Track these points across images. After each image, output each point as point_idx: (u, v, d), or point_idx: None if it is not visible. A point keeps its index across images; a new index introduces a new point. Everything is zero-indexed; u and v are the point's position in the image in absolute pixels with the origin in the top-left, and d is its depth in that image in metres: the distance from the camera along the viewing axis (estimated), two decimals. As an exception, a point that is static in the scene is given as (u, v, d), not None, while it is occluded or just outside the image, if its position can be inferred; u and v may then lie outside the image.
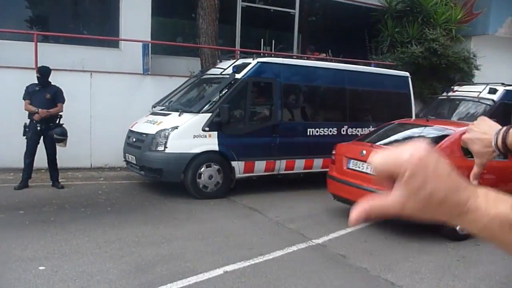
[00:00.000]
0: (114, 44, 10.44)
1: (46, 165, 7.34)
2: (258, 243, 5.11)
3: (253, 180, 8.08)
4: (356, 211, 0.64)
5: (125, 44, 10.17)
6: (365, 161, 5.74)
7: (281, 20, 13.12)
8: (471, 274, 4.55)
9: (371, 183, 5.42)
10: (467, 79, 12.75)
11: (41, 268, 4.10)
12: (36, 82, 7.11)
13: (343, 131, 8.41)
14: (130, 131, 7.72)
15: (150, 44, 9.77)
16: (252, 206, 6.75)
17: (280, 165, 7.74)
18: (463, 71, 12.86)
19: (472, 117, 10.30)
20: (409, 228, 6.04)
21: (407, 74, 9.60)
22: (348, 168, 6.09)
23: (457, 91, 11.28)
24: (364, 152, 5.86)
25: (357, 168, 5.96)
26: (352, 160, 6.07)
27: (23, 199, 6.53)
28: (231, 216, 6.27)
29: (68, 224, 5.44)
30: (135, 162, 7.32)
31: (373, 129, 7.78)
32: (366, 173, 5.70)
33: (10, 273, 3.98)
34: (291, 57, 10.83)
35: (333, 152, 6.53)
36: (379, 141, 6.34)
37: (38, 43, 8.65)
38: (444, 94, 11.45)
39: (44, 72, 7.09)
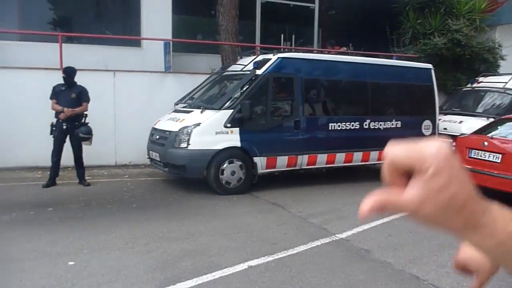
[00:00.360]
0: (136, 43, 10.59)
1: (72, 163, 7.52)
2: (281, 238, 5.13)
3: (275, 176, 8.10)
4: (369, 203, 0.56)
5: (146, 43, 10.31)
6: (487, 151, 6.93)
7: (301, 15, 13.07)
8: (499, 268, 4.47)
9: (492, 168, 6.71)
10: (492, 69, 12.47)
11: (70, 263, 4.22)
12: (62, 82, 7.28)
13: (366, 125, 8.35)
14: (153, 128, 7.83)
15: (171, 42, 9.88)
16: (275, 202, 6.78)
17: (302, 160, 7.74)
18: (488, 62, 12.58)
19: (498, 108, 10.10)
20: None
21: (430, 66, 9.45)
22: (470, 157, 7.18)
23: (482, 82, 11.06)
24: (486, 143, 6.99)
25: (478, 157, 7.09)
26: (473, 150, 7.20)
27: (51, 196, 6.70)
28: (254, 211, 6.31)
29: (95, 220, 5.57)
30: (158, 159, 7.42)
31: (487, 123, 8.31)
32: (488, 160, 6.90)
33: (41, 268, 4.11)
34: (311, 51, 10.79)
35: (453, 144, 7.47)
36: (495, 133, 7.21)
37: (62, 44, 8.84)
38: (469, 85, 11.24)
39: (69, 72, 7.25)
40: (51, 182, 7.30)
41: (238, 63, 8.68)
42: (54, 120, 7.24)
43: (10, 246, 4.61)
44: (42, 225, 5.31)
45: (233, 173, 7.16)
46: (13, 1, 10.12)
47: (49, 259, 4.31)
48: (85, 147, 7.41)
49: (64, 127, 7.19)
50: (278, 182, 7.93)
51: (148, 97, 9.16)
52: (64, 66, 7.70)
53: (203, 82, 8.68)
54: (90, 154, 7.70)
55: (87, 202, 6.47)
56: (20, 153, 8.25)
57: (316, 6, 12.88)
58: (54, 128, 7.24)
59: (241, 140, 7.16)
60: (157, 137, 7.60)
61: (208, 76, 9.03)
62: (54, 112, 7.23)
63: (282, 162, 7.59)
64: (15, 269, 4.08)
